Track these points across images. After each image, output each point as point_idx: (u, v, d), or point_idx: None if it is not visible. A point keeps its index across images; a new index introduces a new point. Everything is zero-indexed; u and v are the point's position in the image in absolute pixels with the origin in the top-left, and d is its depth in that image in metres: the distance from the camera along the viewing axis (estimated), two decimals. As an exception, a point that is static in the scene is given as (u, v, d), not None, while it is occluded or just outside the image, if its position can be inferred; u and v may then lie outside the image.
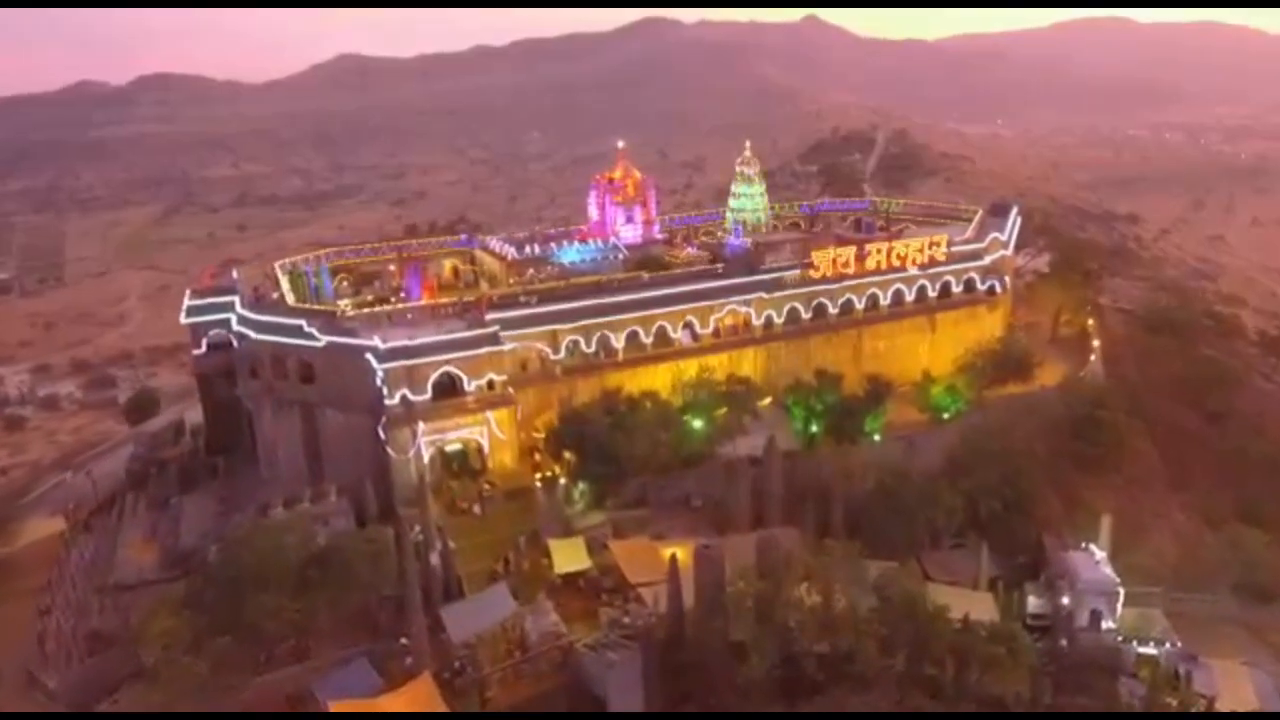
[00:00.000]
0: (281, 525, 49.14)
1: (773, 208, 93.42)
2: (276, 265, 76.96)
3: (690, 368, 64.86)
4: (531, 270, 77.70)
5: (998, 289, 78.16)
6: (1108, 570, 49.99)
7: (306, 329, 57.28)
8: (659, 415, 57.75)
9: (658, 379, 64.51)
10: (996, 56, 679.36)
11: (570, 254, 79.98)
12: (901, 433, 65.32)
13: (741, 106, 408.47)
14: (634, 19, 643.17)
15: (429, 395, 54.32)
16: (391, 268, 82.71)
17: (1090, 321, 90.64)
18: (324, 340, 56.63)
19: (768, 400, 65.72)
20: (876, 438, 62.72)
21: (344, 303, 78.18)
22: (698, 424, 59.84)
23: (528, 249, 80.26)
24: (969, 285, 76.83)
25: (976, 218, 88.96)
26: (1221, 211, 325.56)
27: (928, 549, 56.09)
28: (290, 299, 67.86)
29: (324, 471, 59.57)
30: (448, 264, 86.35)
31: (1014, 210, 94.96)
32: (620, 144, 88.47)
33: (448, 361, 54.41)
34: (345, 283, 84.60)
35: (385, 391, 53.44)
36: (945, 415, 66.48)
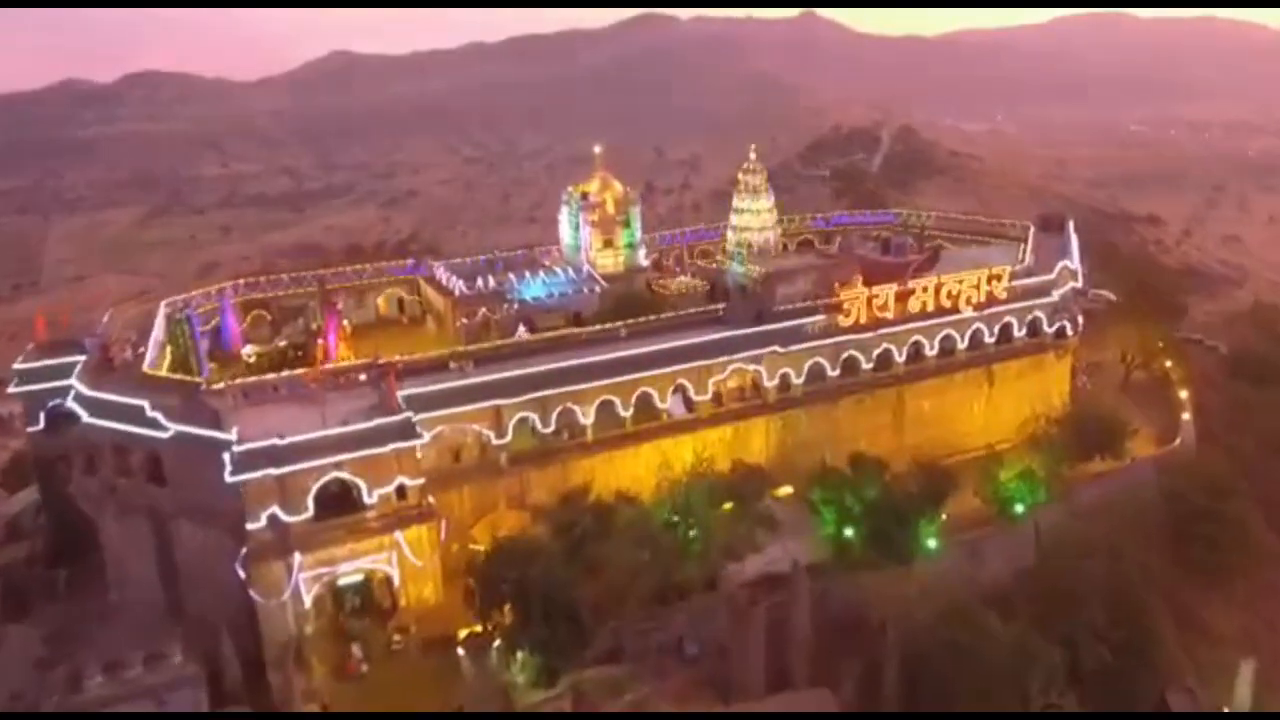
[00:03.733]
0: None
1: (780, 219, 77.42)
2: (162, 304, 61.10)
3: (682, 449, 49.05)
4: (484, 310, 61.97)
5: (1068, 330, 62.33)
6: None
7: (150, 413, 41.37)
8: (639, 528, 41.83)
9: (640, 464, 48.64)
10: (995, 52, 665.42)
11: (534, 288, 64.27)
12: (960, 529, 49.64)
13: (739, 103, 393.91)
14: (629, 16, 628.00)
15: (310, 513, 38.29)
16: (311, 304, 66.75)
17: (1168, 362, 75.02)
18: (171, 429, 40.77)
19: (787, 490, 49.95)
20: (932, 543, 46.85)
21: (249, 350, 62.71)
22: (692, 534, 44.05)
23: (480, 281, 64.39)
24: (1033, 327, 61.04)
25: (1030, 236, 73.26)
26: (1234, 210, 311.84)
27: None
28: (160, 355, 52.12)
29: (184, 601, 43.91)
30: (383, 298, 70.47)
31: (1070, 225, 79.35)
32: (597, 149, 72.49)
33: (337, 465, 38.41)
34: (263, 322, 68.97)
35: (246, 511, 37.45)
36: (1018, 507, 50.65)
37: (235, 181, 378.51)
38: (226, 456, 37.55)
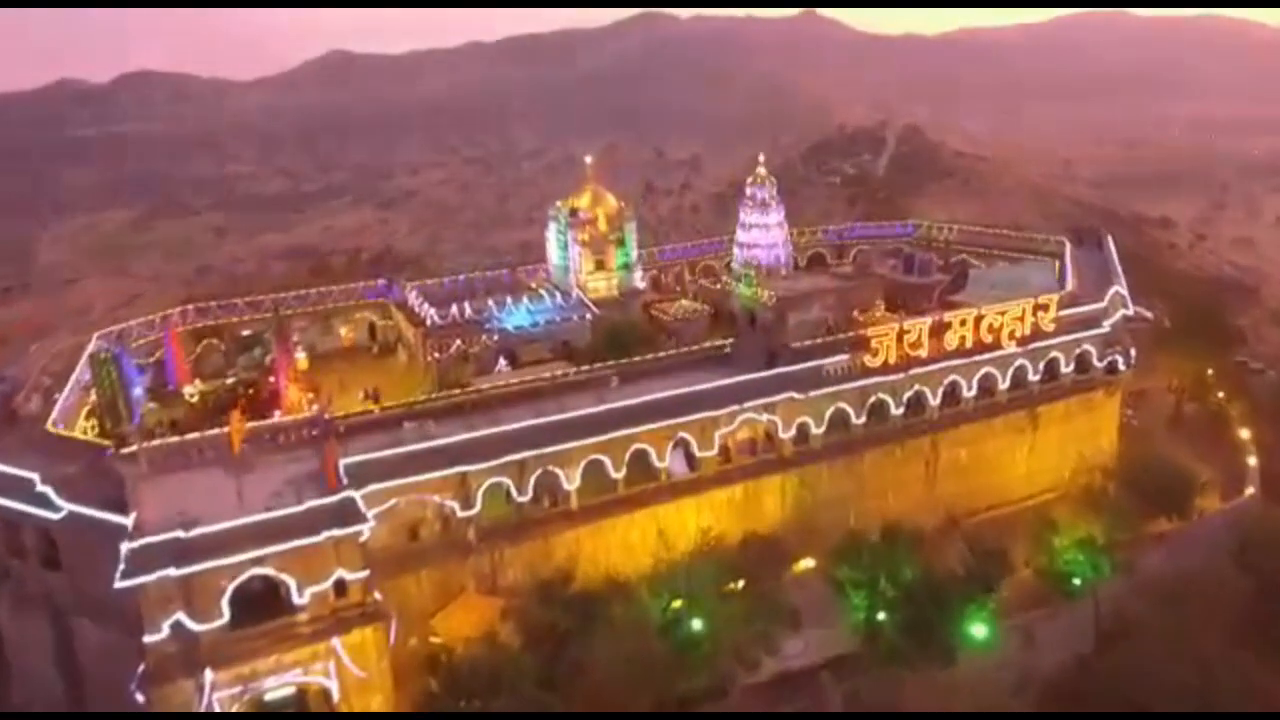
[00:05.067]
0: None
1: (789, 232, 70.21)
2: (95, 336, 54.06)
3: (684, 515, 41.89)
4: (458, 342, 54.80)
5: (1120, 365, 55.05)
6: None
7: (40, 486, 34.20)
8: (632, 629, 34.59)
9: (633, 534, 41.42)
10: (995, 52, 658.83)
11: (517, 316, 57.14)
12: (1009, 606, 42.48)
13: (740, 103, 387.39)
14: (629, 15, 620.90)
15: (225, 619, 31.05)
16: (268, 333, 59.55)
17: (1220, 393, 67.90)
18: (63, 509, 33.61)
19: (807, 564, 42.83)
20: (981, 631, 39.63)
21: (191, 390, 55.59)
22: (696, 625, 36.90)
23: (455, 308, 57.15)
24: (1082, 362, 53.78)
25: (1066, 253, 66.35)
26: (1242, 211, 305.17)
27: None
28: (82, 400, 45.05)
29: (90, 709, 36.77)
30: (349, 325, 63.32)
31: (1110, 241, 72.39)
32: (588, 159, 65.31)
33: (258, 560, 31.15)
34: (215, 352, 61.92)
35: (144, 619, 30.21)
36: (1075, 580, 43.48)
37: (231, 182, 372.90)
38: (122, 549, 30.36)
